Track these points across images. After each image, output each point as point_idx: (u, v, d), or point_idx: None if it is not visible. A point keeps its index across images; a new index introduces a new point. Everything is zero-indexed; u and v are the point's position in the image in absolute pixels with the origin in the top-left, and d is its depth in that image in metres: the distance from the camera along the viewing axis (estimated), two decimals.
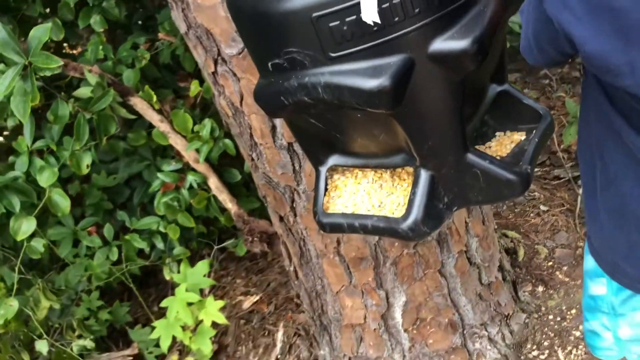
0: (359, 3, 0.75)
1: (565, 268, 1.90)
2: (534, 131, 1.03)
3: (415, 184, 0.92)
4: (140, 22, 2.20)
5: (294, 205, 1.43)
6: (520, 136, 1.06)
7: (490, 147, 1.07)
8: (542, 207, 2.14)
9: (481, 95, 1.01)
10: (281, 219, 1.52)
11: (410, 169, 1.00)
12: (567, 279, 1.86)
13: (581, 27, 0.64)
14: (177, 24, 1.32)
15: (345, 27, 0.77)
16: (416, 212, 0.91)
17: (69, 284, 2.08)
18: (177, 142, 1.92)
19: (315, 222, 1.03)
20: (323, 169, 1.04)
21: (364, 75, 0.79)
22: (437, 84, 0.83)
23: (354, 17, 0.76)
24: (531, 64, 0.82)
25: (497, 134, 1.09)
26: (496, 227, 1.86)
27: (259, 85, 0.92)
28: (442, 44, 0.79)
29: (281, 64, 0.84)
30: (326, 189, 1.05)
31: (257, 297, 2.21)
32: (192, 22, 1.25)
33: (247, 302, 2.22)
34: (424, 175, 0.92)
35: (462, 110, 0.88)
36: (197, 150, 1.88)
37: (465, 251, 1.55)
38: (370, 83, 0.78)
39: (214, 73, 1.30)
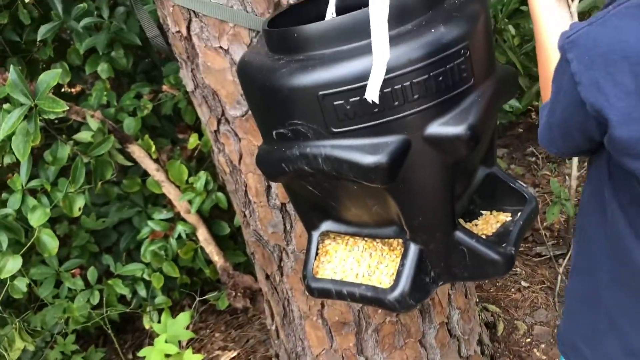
0: (362, 86, 0.81)
1: (542, 346, 1.92)
2: (519, 213, 1.07)
3: (404, 256, 0.96)
4: (144, 72, 2.27)
5: (282, 265, 1.46)
6: (505, 217, 1.11)
7: (476, 225, 1.11)
8: (523, 283, 2.17)
9: (471, 176, 1.06)
10: (267, 277, 1.53)
11: (400, 241, 1.03)
12: (544, 357, 1.88)
13: (613, 112, 0.67)
14: (185, 82, 1.38)
15: (348, 107, 0.82)
16: (404, 284, 0.94)
17: (46, 325, 2.06)
18: (170, 191, 1.95)
19: (304, 286, 1.06)
20: (315, 234, 1.07)
21: (363, 151, 0.84)
22: (430, 164, 0.88)
23: (357, 98, 0.81)
24: (552, 154, 0.85)
25: (484, 212, 1.13)
26: (477, 300, 1.89)
27: (262, 151, 0.96)
28: (437, 128, 0.85)
29: (285, 133, 0.89)
30: (317, 253, 1.08)
31: (235, 353, 2.19)
32: (199, 82, 1.31)
33: (225, 358, 2.19)
34: (413, 248, 0.95)
35: (453, 190, 0.93)
36: (190, 201, 1.91)
37: (446, 323, 1.57)
38: (368, 159, 0.83)
39: (216, 131, 1.35)
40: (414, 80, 0.81)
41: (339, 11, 0.97)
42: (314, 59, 0.84)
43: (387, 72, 0.80)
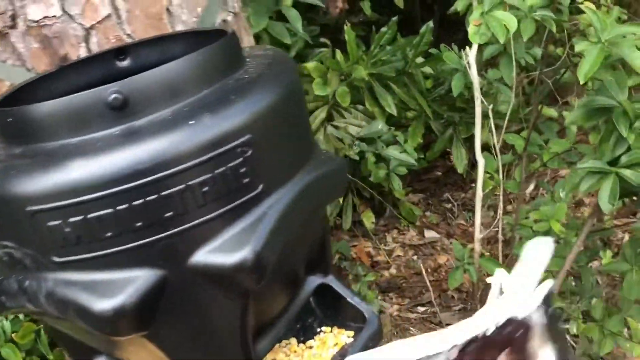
0: (87, 200, 0.56)
1: None
2: (359, 336, 0.84)
3: None
4: None
5: None
6: (347, 337, 0.87)
7: (311, 348, 0.87)
8: None
9: (293, 286, 0.83)
10: None
11: None
12: None
13: None
14: None
15: (68, 229, 0.57)
16: None
17: None
18: None
19: None
20: None
21: (95, 292, 0.58)
22: (205, 301, 0.64)
23: (80, 217, 0.56)
24: None
25: (324, 328, 0.89)
26: None
27: None
28: (205, 256, 0.60)
29: (0, 256, 0.63)
30: None
31: None
32: None
33: None
34: None
35: (246, 328, 0.68)
36: None
37: None
38: (101, 305, 0.58)
39: None
40: (162, 193, 0.57)
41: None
42: (26, 156, 0.59)
43: (124, 180, 0.56)
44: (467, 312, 2.12)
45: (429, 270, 2.63)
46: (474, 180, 3.20)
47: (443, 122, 2.80)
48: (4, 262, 0.63)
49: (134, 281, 0.58)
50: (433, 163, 3.34)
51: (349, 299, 0.85)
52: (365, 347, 0.82)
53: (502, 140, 1.82)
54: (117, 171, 0.56)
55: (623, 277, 1.41)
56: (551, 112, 2.37)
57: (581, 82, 1.11)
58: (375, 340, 0.83)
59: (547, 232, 1.71)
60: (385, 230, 2.95)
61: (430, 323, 2.13)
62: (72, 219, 0.56)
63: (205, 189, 0.59)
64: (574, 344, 1.99)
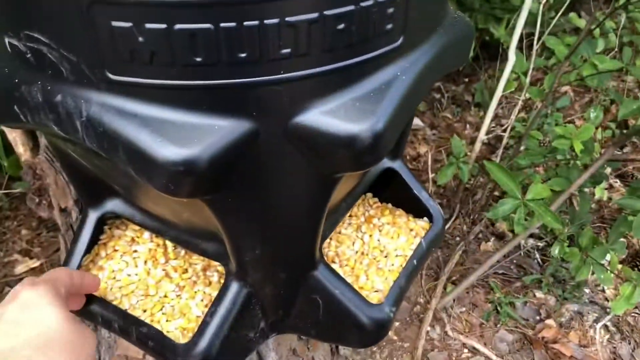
0: (180, 4, 0.37)
1: (396, 324, 1.70)
2: (419, 240, 0.72)
3: (219, 299, 0.58)
4: None
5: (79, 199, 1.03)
6: (423, 226, 0.75)
7: (381, 227, 0.75)
8: None
9: (360, 177, 0.69)
10: (62, 210, 1.10)
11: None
12: (395, 337, 1.66)
13: None
14: None
15: (142, 39, 0.39)
16: (208, 343, 0.57)
17: None
18: None
19: None
20: (94, 214, 0.65)
21: (162, 134, 0.42)
22: (289, 174, 0.49)
23: (162, 25, 0.38)
24: None
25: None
26: None
27: None
28: (317, 118, 0.44)
29: (22, 51, 0.44)
30: (97, 242, 0.67)
31: (37, 264, 1.76)
32: None
33: (23, 266, 1.76)
34: (236, 291, 0.57)
35: (322, 214, 0.54)
36: None
37: None
38: (168, 152, 0.41)
39: None
40: (287, 19, 0.39)
41: None
42: None
43: None
44: (443, 208, 2.08)
45: (408, 157, 2.54)
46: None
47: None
48: (25, 60, 0.44)
49: (217, 131, 0.42)
50: None
51: (415, 192, 0.72)
52: (423, 256, 0.71)
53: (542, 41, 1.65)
54: None
55: (624, 212, 1.36)
56: (581, 22, 2.18)
57: None
58: (436, 245, 0.72)
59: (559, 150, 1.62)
60: None
61: None
62: (150, 26, 0.38)
63: (341, 26, 0.41)
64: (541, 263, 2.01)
